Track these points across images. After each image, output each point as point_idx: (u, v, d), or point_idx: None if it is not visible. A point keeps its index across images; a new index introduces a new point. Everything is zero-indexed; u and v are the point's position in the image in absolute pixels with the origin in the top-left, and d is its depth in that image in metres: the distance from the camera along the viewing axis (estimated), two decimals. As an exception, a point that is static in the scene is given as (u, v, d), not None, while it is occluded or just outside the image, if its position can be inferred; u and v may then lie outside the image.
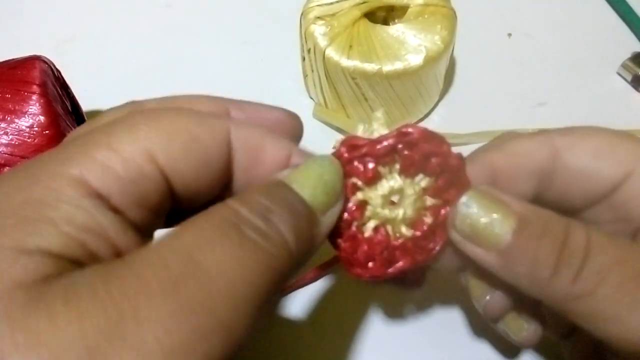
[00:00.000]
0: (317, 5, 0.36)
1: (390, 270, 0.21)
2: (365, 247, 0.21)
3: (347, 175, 0.21)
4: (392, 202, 0.21)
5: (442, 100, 0.40)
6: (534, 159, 0.21)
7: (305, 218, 0.18)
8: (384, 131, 0.21)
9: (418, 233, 0.21)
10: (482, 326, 0.30)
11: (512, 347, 0.30)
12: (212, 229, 0.16)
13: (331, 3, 0.36)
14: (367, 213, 0.21)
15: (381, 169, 0.21)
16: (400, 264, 0.21)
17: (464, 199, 0.20)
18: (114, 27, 0.44)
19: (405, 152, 0.21)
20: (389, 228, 0.21)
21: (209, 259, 0.15)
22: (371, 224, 0.21)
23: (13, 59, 0.30)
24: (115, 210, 0.17)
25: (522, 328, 0.24)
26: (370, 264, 0.21)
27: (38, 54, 0.31)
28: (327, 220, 0.19)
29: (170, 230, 0.16)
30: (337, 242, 0.21)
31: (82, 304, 0.14)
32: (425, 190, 0.21)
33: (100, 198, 0.16)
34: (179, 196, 0.18)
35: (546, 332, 0.24)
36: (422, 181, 0.21)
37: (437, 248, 0.21)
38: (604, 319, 0.19)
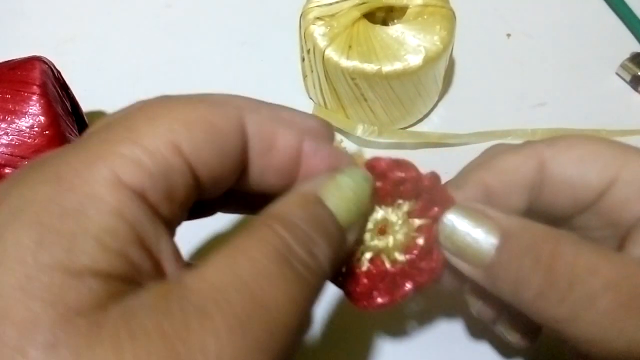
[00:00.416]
0: (317, 6, 0.36)
1: (396, 296, 0.21)
2: (365, 280, 0.21)
3: None
4: (381, 231, 0.22)
5: (442, 100, 0.40)
6: (523, 174, 0.22)
7: (340, 245, 0.18)
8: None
9: (413, 256, 0.21)
10: (481, 329, 0.30)
11: (513, 350, 0.30)
12: (268, 263, 0.16)
13: (331, 4, 0.36)
14: (360, 248, 0.21)
15: None
16: (405, 288, 0.21)
17: (447, 216, 0.20)
18: (114, 27, 0.45)
19: (377, 184, 0.21)
20: (384, 257, 0.22)
21: (269, 298, 0.15)
22: (366, 257, 0.21)
23: (13, 60, 0.31)
24: (150, 211, 0.16)
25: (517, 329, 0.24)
26: (375, 294, 0.21)
27: (38, 54, 0.31)
28: (352, 238, 0.20)
29: (217, 253, 0.16)
30: (339, 281, 0.21)
31: (150, 341, 0.13)
32: (410, 214, 0.22)
33: (137, 198, 0.16)
34: (202, 186, 0.18)
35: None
36: (404, 206, 0.22)
37: (436, 266, 0.22)
38: (588, 341, 0.19)
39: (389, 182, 0.21)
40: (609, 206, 0.21)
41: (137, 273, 0.15)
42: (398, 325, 0.31)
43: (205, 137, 0.17)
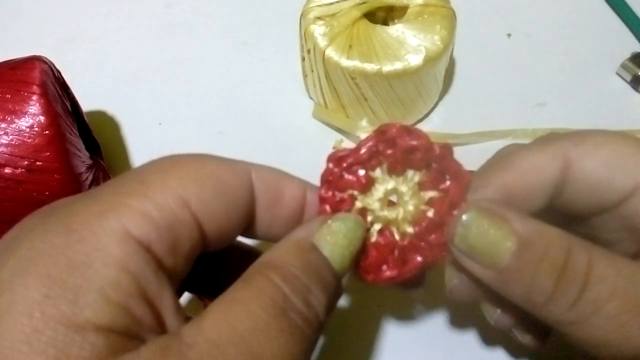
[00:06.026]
0: (317, 6, 0.36)
1: (405, 270, 0.21)
2: (374, 252, 0.21)
3: (341, 189, 0.21)
4: (390, 203, 0.21)
5: (442, 100, 0.40)
6: (547, 175, 0.21)
7: (335, 291, 0.19)
8: None
9: (422, 228, 0.21)
10: (490, 329, 0.30)
11: (522, 349, 0.30)
12: (265, 317, 0.16)
13: (331, 3, 0.36)
14: (369, 218, 0.21)
15: (372, 174, 0.21)
16: (414, 261, 0.21)
17: (463, 217, 0.20)
18: (114, 27, 0.45)
19: (388, 151, 0.21)
20: (394, 229, 0.21)
21: (267, 352, 0.15)
22: (375, 228, 0.21)
23: (13, 59, 0.30)
24: (155, 263, 0.16)
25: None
26: (384, 267, 0.21)
27: (38, 54, 0.31)
28: (345, 283, 0.20)
29: (216, 305, 0.16)
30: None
31: None
32: (420, 185, 0.21)
33: (143, 250, 0.16)
34: (208, 240, 0.18)
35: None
36: (415, 176, 0.21)
37: (446, 242, 0.21)
38: (596, 344, 0.19)
39: (399, 149, 0.21)
40: (630, 211, 0.21)
41: (138, 327, 0.15)
42: (404, 309, 0.31)
43: (213, 192, 0.18)
